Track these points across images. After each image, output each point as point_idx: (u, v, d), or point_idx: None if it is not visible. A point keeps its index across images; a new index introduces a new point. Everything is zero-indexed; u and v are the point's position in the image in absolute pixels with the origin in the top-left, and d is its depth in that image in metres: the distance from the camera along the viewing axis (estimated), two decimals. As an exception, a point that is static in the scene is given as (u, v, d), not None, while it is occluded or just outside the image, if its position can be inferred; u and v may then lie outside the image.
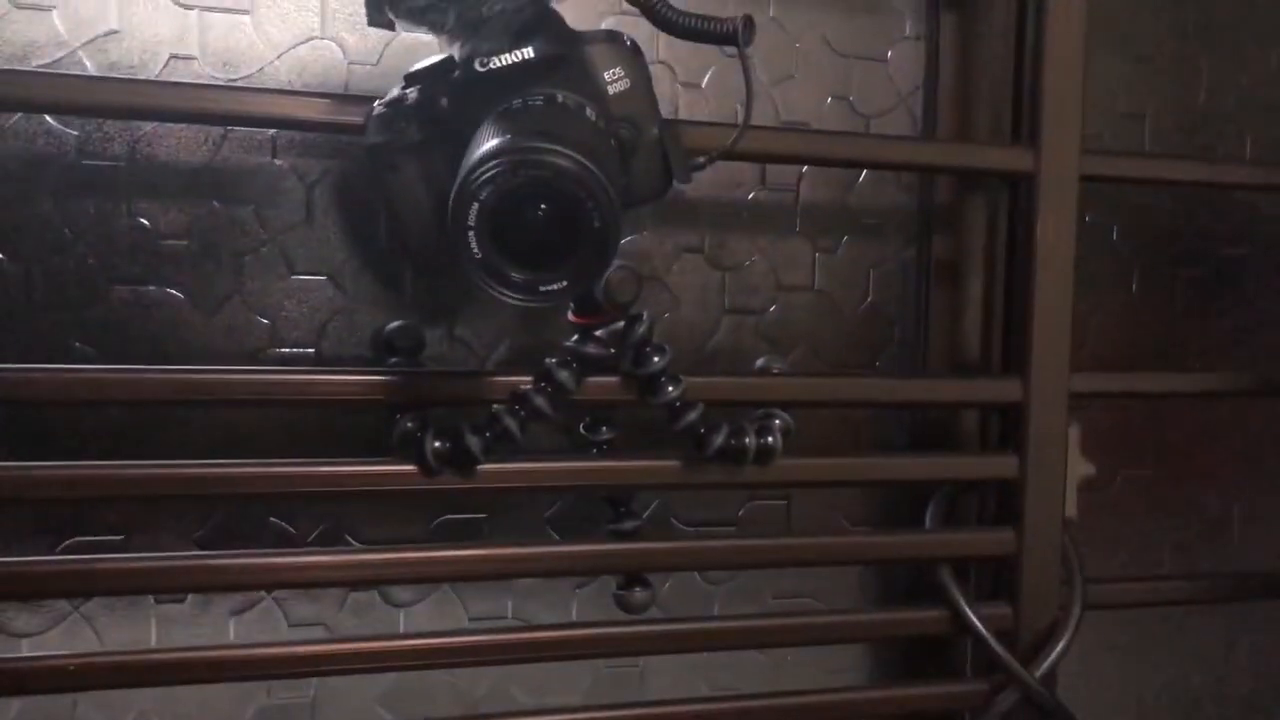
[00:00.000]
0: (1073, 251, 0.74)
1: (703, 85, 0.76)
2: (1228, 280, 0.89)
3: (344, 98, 0.64)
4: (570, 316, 0.65)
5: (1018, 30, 0.77)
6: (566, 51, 0.57)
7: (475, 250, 0.50)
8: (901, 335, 0.82)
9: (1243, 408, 0.90)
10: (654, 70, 0.71)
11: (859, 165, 0.78)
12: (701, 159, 0.63)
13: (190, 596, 0.70)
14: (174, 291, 0.68)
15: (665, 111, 0.70)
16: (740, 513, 0.80)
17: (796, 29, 0.78)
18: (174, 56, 0.67)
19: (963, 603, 0.74)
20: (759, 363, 0.78)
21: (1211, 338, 0.89)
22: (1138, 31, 0.86)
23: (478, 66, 0.56)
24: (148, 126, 0.67)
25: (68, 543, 0.67)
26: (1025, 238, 0.75)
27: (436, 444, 0.63)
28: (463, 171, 0.50)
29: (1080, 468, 0.79)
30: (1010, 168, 0.75)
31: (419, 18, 0.54)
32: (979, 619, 0.74)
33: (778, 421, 0.70)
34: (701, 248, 0.77)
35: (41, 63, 0.65)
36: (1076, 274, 0.75)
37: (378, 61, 0.70)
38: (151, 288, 0.68)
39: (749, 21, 0.60)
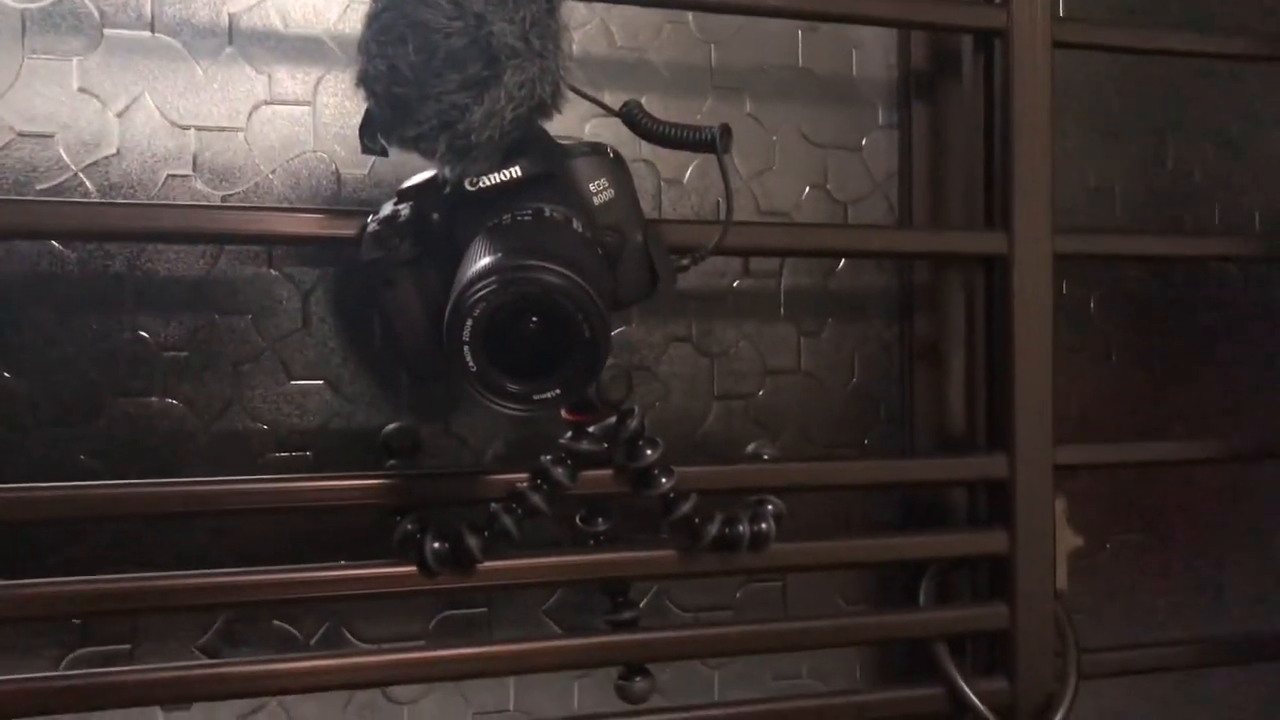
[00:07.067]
0: (1050, 329, 0.77)
1: (684, 181, 0.79)
2: (1205, 346, 0.92)
3: (337, 212, 0.66)
4: (564, 414, 0.67)
5: (986, 116, 0.80)
6: (553, 168, 0.60)
7: (471, 364, 0.53)
8: (888, 413, 0.84)
9: (1225, 471, 0.93)
10: (637, 168, 0.76)
11: (838, 254, 0.81)
12: (686, 260, 0.66)
13: (196, 703, 0.71)
14: (174, 402, 0.70)
15: (648, 208, 0.75)
16: (738, 594, 0.81)
17: (773, 122, 0.81)
18: (171, 175, 0.70)
19: (959, 679, 0.76)
20: (750, 448, 0.80)
21: (1192, 403, 0.92)
22: (1104, 108, 0.90)
23: (468, 185, 0.58)
24: (147, 245, 0.69)
25: (75, 654, 0.69)
26: (1003, 317, 0.78)
27: (436, 545, 0.65)
28: (456, 289, 0.53)
29: (1069, 539, 0.80)
30: (984, 251, 0.78)
31: (411, 146, 0.57)
32: (976, 695, 0.76)
33: (770, 508, 0.72)
34: (689, 336, 0.80)
35: (44, 186, 0.68)
36: (1055, 345, 0.77)
37: (369, 171, 0.73)
38: (153, 399, 0.70)
39: (726, 130, 0.63)
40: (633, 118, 0.65)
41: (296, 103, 0.72)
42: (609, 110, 0.66)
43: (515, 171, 0.58)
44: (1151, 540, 0.91)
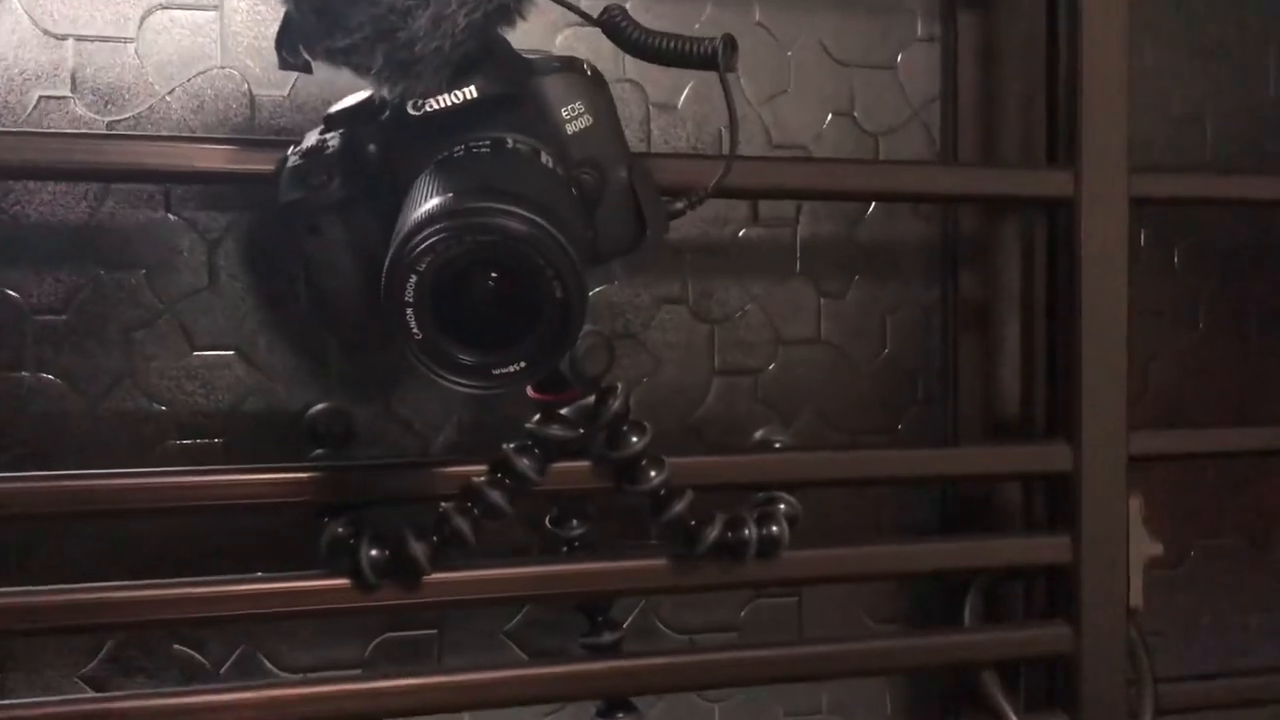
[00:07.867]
0: (1125, 288, 0.77)
1: (679, 106, 0.79)
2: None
3: (250, 143, 0.65)
4: (530, 392, 0.66)
5: (1048, 27, 0.80)
6: (516, 88, 0.59)
7: (415, 330, 0.52)
8: (926, 393, 0.85)
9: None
10: (622, 90, 0.76)
11: (867, 197, 0.81)
12: (680, 204, 0.65)
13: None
14: (51, 377, 0.70)
15: (636, 141, 0.75)
16: (743, 613, 0.82)
17: (788, 35, 0.81)
18: (44, 97, 0.69)
19: (1011, 714, 0.77)
20: (758, 435, 0.80)
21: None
22: (1192, 20, 0.89)
23: (411, 109, 0.57)
24: (15, 183, 0.69)
25: (-72, 688, 0.69)
26: (1068, 273, 0.78)
27: (374, 552, 0.65)
28: (397, 238, 0.52)
29: (1145, 546, 0.80)
30: (1046, 193, 0.78)
31: (340, 59, 0.55)
32: (1032, 733, 0.77)
33: (783, 507, 0.72)
34: (685, 298, 0.80)
35: (-116, 110, 0.67)
36: (1132, 311, 0.77)
37: (289, 92, 0.73)
38: (24, 374, 0.70)
39: (730, 42, 0.62)
40: (615, 27, 0.64)
41: (199, 7, 0.71)
42: (586, 17, 0.65)
43: (470, 92, 0.57)
44: (1244, 548, 0.92)
